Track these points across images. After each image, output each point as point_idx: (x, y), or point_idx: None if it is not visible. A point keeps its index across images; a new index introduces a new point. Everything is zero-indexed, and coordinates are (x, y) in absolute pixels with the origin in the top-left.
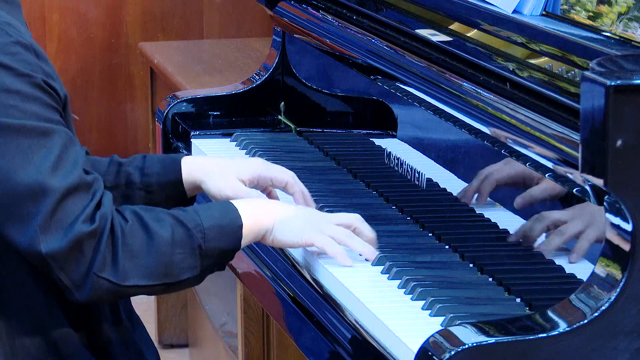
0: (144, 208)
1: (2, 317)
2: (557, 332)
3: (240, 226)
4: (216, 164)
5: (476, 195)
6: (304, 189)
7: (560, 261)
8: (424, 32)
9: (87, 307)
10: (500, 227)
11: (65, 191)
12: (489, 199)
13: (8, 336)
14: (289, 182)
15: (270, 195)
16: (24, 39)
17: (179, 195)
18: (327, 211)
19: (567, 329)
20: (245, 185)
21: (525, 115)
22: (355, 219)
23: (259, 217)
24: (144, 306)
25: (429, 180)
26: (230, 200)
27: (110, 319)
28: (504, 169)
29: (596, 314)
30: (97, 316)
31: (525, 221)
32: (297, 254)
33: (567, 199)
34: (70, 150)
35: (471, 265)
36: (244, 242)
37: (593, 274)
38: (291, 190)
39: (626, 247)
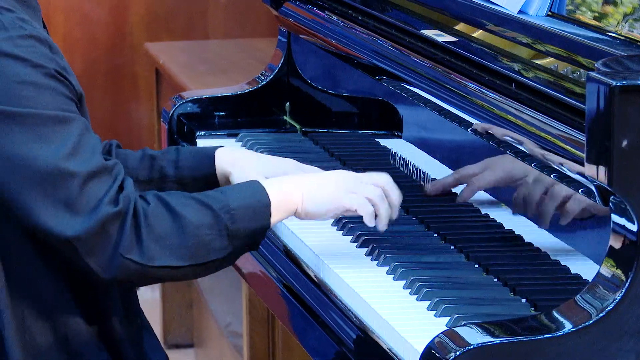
0: (166, 193)
1: (12, 311)
2: (562, 333)
3: (268, 205)
4: (243, 157)
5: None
6: None
7: (565, 262)
8: (429, 33)
9: (98, 301)
10: (506, 228)
11: (87, 175)
12: (493, 198)
13: (17, 331)
14: None
15: None
16: (39, 33)
17: (212, 187)
18: None
19: (572, 329)
20: None
21: (530, 116)
22: (385, 179)
23: (286, 194)
24: (149, 306)
25: (434, 180)
26: (257, 180)
27: (122, 315)
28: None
29: (601, 315)
30: (109, 312)
31: (530, 222)
32: (303, 255)
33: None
34: (88, 137)
35: (476, 265)
36: (274, 220)
37: (598, 274)
38: None
39: (632, 247)
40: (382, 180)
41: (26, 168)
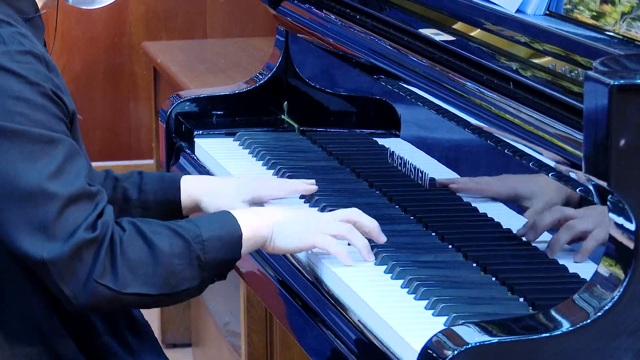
0: (140, 220)
1: (1, 323)
2: (560, 332)
3: (240, 236)
4: (215, 183)
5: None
6: (303, 182)
7: (563, 261)
8: (427, 32)
9: (81, 315)
10: (504, 227)
11: (68, 198)
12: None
13: (8, 342)
14: (288, 194)
15: None
16: (37, 49)
17: (175, 213)
18: (329, 210)
19: (570, 328)
20: (246, 204)
21: (528, 115)
22: (352, 212)
23: (257, 226)
24: None
25: (432, 179)
26: (229, 210)
27: (106, 328)
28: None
29: (599, 314)
30: (92, 324)
31: (526, 220)
32: (300, 254)
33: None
34: (75, 160)
35: (474, 264)
36: (244, 251)
37: (596, 273)
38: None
39: (629, 246)
40: (349, 214)
41: (8, 185)
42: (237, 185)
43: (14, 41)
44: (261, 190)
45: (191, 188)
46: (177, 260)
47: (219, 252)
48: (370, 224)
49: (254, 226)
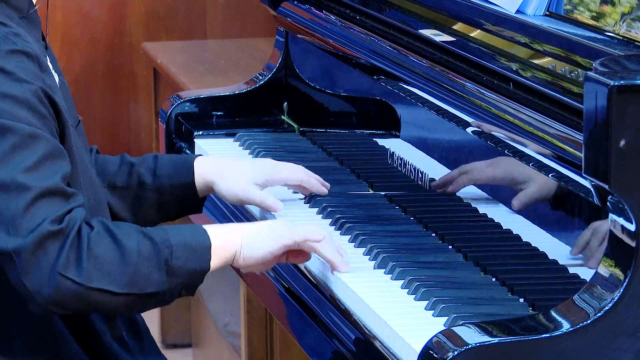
0: (112, 222)
1: (4, 332)
2: (560, 333)
3: (209, 247)
4: (228, 166)
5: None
6: (318, 178)
7: (563, 261)
8: (427, 32)
9: (84, 319)
10: (504, 227)
11: (41, 192)
12: (491, 198)
13: (11, 350)
14: (302, 180)
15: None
16: (30, 49)
17: (190, 196)
18: (330, 211)
19: (570, 329)
20: (259, 187)
21: (528, 116)
22: (314, 229)
23: (226, 239)
24: None
25: (432, 180)
26: (202, 225)
27: (107, 329)
28: (486, 169)
29: (599, 315)
30: (92, 325)
31: (528, 221)
32: None
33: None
34: (55, 160)
35: (474, 265)
36: (214, 264)
37: (596, 274)
38: (308, 186)
39: (630, 247)
40: (310, 231)
41: None
42: (251, 169)
43: (6, 41)
44: (274, 175)
45: (204, 170)
46: (145, 262)
47: (187, 260)
48: (323, 236)
49: (222, 238)
